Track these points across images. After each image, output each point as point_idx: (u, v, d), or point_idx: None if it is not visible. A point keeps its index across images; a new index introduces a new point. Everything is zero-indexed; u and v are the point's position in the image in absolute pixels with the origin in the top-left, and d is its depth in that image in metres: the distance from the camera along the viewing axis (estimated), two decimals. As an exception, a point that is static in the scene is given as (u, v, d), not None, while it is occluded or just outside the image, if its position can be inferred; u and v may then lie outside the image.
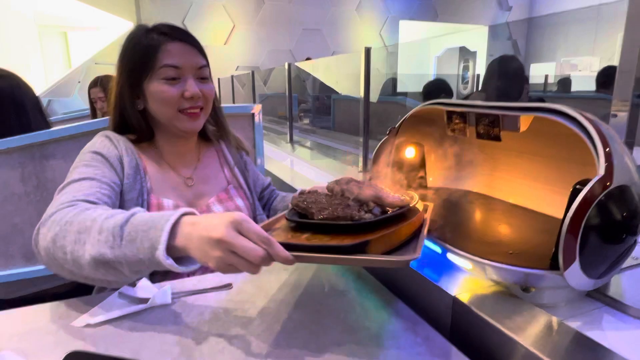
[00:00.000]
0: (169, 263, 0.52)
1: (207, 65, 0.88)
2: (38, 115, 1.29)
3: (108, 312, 0.63)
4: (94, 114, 2.40)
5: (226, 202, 0.94)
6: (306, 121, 3.81)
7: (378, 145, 0.96)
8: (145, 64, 0.82)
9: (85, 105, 4.23)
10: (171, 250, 0.53)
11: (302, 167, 1.95)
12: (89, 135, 1.15)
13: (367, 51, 1.53)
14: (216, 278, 0.75)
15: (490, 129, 0.72)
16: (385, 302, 0.66)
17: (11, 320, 0.63)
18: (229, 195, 0.96)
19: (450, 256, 0.66)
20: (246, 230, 0.50)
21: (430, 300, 0.64)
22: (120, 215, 0.58)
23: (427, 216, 0.68)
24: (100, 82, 2.31)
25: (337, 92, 3.87)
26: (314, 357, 0.52)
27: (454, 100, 0.80)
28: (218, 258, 0.49)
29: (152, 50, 0.82)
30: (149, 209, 0.84)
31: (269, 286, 0.71)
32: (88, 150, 0.83)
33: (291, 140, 2.61)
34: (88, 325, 0.60)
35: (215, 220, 0.51)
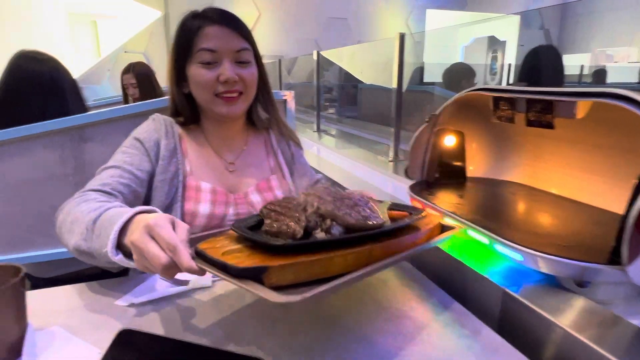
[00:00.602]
0: (117, 258, 0.54)
1: (250, 48, 0.85)
2: (76, 99, 1.31)
3: (151, 292, 0.64)
4: (125, 100, 2.44)
5: (265, 192, 0.91)
6: (331, 110, 3.78)
7: (416, 133, 0.93)
8: (185, 48, 0.83)
9: (115, 92, 4.31)
10: (123, 246, 0.55)
11: (328, 155, 1.93)
12: (124, 119, 1.17)
13: (402, 37, 1.49)
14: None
15: (543, 115, 0.69)
16: (428, 293, 0.64)
17: (56, 298, 0.64)
18: (269, 185, 0.92)
19: (498, 247, 0.63)
20: (156, 235, 0.49)
21: (477, 292, 0.62)
22: (99, 210, 0.61)
23: (439, 235, 0.61)
24: (132, 69, 2.34)
25: (361, 82, 3.82)
26: (358, 345, 0.51)
27: (502, 86, 0.76)
28: (135, 260, 0.51)
29: (191, 34, 0.82)
30: (186, 190, 0.84)
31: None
32: (132, 135, 0.87)
33: (318, 129, 2.59)
34: (132, 305, 0.60)
35: (141, 223, 0.52)
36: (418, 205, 0.87)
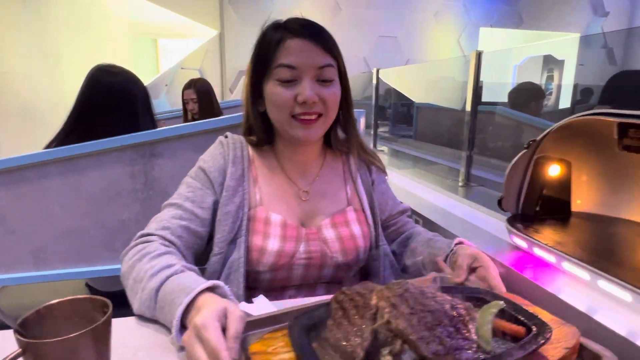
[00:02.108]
0: (179, 344, 0.53)
1: (333, 64, 0.76)
2: (146, 113, 1.32)
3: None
4: (185, 114, 2.49)
5: (341, 227, 0.81)
6: (384, 129, 3.70)
7: (513, 161, 0.84)
8: (264, 63, 0.76)
9: (170, 106, 4.47)
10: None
11: (392, 177, 1.85)
12: (195, 135, 1.15)
13: (479, 55, 1.39)
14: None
15: (694, 147, 0.58)
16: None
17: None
18: (346, 219, 0.82)
19: (601, 284, 0.52)
20: (203, 339, 0.46)
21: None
22: (160, 276, 0.61)
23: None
24: (194, 85, 2.40)
25: (412, 101, 3.73)
26: None
27: (630, 111, 0.66)
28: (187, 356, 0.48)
29: (271, 47, 0.75)
30: (253, 222, 0.77)
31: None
32: (198, 162, 0.83)
33: (375, 148, 2.52)
34: None
35: (197, 315, 0.49)
36: (522, 244, 0.77)
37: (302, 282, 0.80)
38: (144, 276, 0.61)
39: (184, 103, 2.46)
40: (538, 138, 0.81)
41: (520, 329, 0.44)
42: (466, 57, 1.50)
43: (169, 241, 0.71)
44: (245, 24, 5.44)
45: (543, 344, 0.41)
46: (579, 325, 0.58)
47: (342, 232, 0.80)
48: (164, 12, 5.57)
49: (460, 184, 1.49)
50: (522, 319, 0.45)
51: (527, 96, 2.40)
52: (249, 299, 0.67)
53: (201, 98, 2.38)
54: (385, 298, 0.44)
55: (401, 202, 0.94)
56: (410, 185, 1.57)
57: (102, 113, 1.25)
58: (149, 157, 1.14)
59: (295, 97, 0.73)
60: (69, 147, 1.10)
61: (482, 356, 0.40)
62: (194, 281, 0.58)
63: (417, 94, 3.77)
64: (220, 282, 0.58)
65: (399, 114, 3.96)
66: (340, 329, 0.44)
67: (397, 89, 4.11)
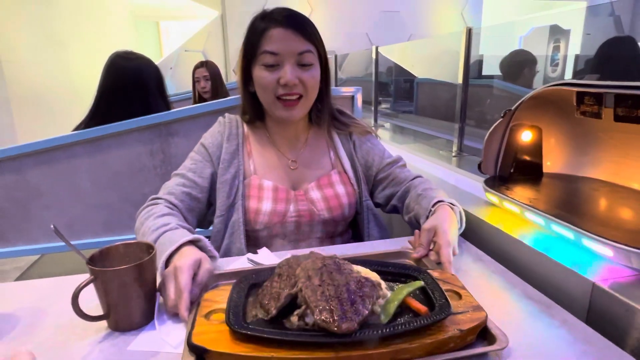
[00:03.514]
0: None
1: (313, 50, 0.85)
2: (159, 96, 1.42)
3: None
4: (194, 93, 2.61)
5: (325, 188, 0.93)
6: (385, 105, 3.77)
7: (491, 129, 0.94)
8: (251, 49, 0.86)
9: (176, 89, 4.55)
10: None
11: (389, 149, 1.95)
12: (205, 115, 1.26)
13: (469, 31, 1.47)
14: (334, 250, 0.79)
15: (634, 110, 0.68)
16: (511, 284, 0.66)
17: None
18: (330, 181, 0.94)
19: (586, 242, 0.63)
20: (176, 278, 0.58)
21: (564, 286, 0.63)
22: (159, 232, 0.73)
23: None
24: (205, 64, 2.52)
25: (415, 77, 3.77)
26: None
27: (587, 81, 0.75)
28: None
29: (256, 35, 0.85)
30: (249, 188, 0.90)
31: (388, 261, 0.74)
32: (201, 140, 0.96)
33: (375, 124, 2.61)
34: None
35: (178, 260, 0.62)
36: (494, 200, 0.88)
37: (297, 238, 0.92)
38: (147, 231, 0.74)
39: (195, 82, 2.56)
40: (513, 107, 0.91)
41: (423, 309, 0.50)
42: (469, 29, 1.56)
43: (173, 204, 0.85)
44: (246, 4, 5.43)
45: (424, 324, 0.47)
46: (533, 261, 0.70)
47: (326, 192, 0.92)
48: (165, -6, 5.59)
49: (453, 154, 1.59)
50: (434, 299, 0.52)
51: (518, 65, 2.45)
52: (253, 252, 0.80)
53: (213, 78, 2.50)
54: (305, 270, 0.52)
55: (390, 155, 1.02)
56: (408, 158, 1.68)
57: (119, 96, 1.36)
58: (165, 136, 1.26)
59: (278, 80, 0.83)
60: (94, 129, 1.22)
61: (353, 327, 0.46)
62: (181, 235, 0.70)
63: (420, 70, 3.80)
64: (201, 237, 0.71)
65: (401, 89, 4.00)
66: (269, 290, 0.53)
67: (400, 65, 4.15)
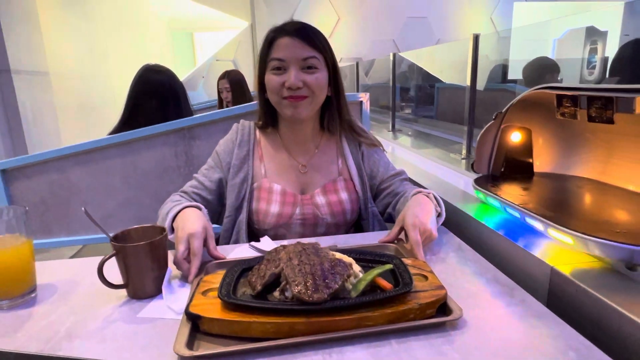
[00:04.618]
0: (171, 237, 0.78)
1: (317, 56, 0.91)
2: (186, 103, 1.57)
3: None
4: (220, 103, 2.75)
5: (330, 194, 0.99)
6: (408, 110, 3.81)
7: (483, 130, 1.00)
8: (263, 58, 0.95)
9: (208, 97, 4.75)
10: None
11: (403, 154, 2.01)
12: (224, 120, 1.38)
13: (476, 38, 1.52)
14: (330, 241, 0.88)
15: (603, 111, 0.73)
16: (484, 269, 0.72)
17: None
18: (335, 187, 1.00)
19: (551, 232, 0.69)
20: (191, 243, 0.72)
21: (528, 270, 0.69)
22: (167, 215, 0.84)
23: None
24: (227, 75, 2.65)
25: (440, 81, 3.78)
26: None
27: (564, 84, 0.81)
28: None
29: (267, 45, 0.94)
30: (259, 191, 0.98)
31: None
32: (216, 147, 1.07)
33: (393, 129, 2.67)
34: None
35: (187, 223, 0.76)
36: (481, 196, 0.94)
37: (300, 238, 1.00)
38: (163, 212, 0.89)
39: (219, 92, 2.72)
40: (503, 110, 0.97)
41: (388, 286, 0.58)
42: (499, 33, 1.61)
43: (186, 199, 0.96)
44: (274, 15, 5.63)
45: (385, 297, 0.55)
46: (505, 249, 0.76)
47: (331, 198, 0.99)
48: (199, 7, 5.87)
49: (462, 157, 1.63)
50: (400, 279, 0.59)
51: (540, 72, 2.45)
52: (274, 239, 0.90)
53: (234, 87, 2.63)
54: (287, 252, 0.60)
55: (394, 168, 1.08)
56: (419, 162, 1.74)
57: (153, 105, 1.51)
58: (188, 140, 1.39)
59: (284, 82, 0.91)
60: (126, 134, 1.36)
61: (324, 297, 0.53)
62: (184, 203, 0.86)
63: (447, 75, 3.82)
64: (201, 205, 0.86)
65: (424, 95, 4.02)
66: (257, 271, 0.61)
67: (425, 70, 4.17)
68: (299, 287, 0.54)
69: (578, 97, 0.78)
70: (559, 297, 0.62)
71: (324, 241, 0.88)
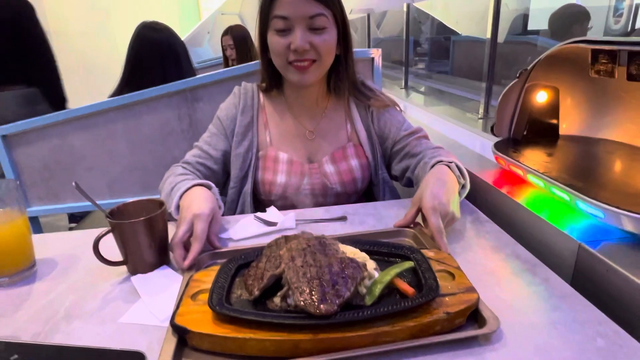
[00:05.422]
0: (176, 215, 0.74)
1: (325, 13, 0.81)
2: (187, 62, 1.50)
3: (247, 230, 0.76)
4: (225, 61, 2.65)
5: (339, 161, 0.93)
6: (421, 65, 3.64)
7: (505, 90, 0.92)
8: (264, 15, 0.85)
9: (214, 53, 4.61)
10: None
11: (416, 114, 1.92)
12: (227, 80, 1.31)
13: (499, -15, 1.39)
14: (338, 211, 0.84)
15: (646, 69, 0.64)
16: (503, 243, 0.68)
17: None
18: (345, 154, 0.94)
19: (581, 204, 0.63)
20: (194, 225, 0.65)
21: (552, 246, 0.64)
22: (177, 179, 0.82)
23: None
24: (230, 31, 2.52)
25: (456, 34, 3.58)
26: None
27: (601, 37, 0.72)
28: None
29: (268, 1, 0.83)
30: (264, 160, 0.93)
31: (388, 220, 0.78)
32: (217, 112, 0.99)
33: (406, 86, 2.56)
34: (231, 239, 0.74)
35: (194, 203, 0.69)
36: (502, 163, 0.88)
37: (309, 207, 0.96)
38: (167, 187, 0.83)
39: (223, 50, 2.61)
40: (528, 67, 0.89)
41: (410, 290, 0.48)
42: None
43: (190, 172, 0.91)
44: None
45: (407, 307, 0.45)
46: (528, 222, 0.71)
47: (340, 166, 0.93)
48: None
49: (479, 116, 1.55)
50: (423, 280, 0.50)
51: (568, 21, 2.28)
52: (280, 210, 0.85)
53: (238, 44, 2.51)
54: (289, 250, 0.51)
55: (410, 126, 0.98)
56: (434, 123, 1.65)
57: (152, 65, 1.44)
58: (191, 102, 1.33)
59: (289, 45, 0.82)
60: (127, 96, 1.31)
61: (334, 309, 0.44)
62: (192, 180, 0.79)
63: (464, 27, 3.60)
64: (212, 184, 0.79)
65: (440, 48, 3.82)
66: (254, 271, 0.52)
67: (441, 22, 3.95)
68: (304, 296, 0.45)
69: (617, 53, 0.69)
70: (586, 276, 0.58)
71: (333, 211, 0.84)
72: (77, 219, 2.02)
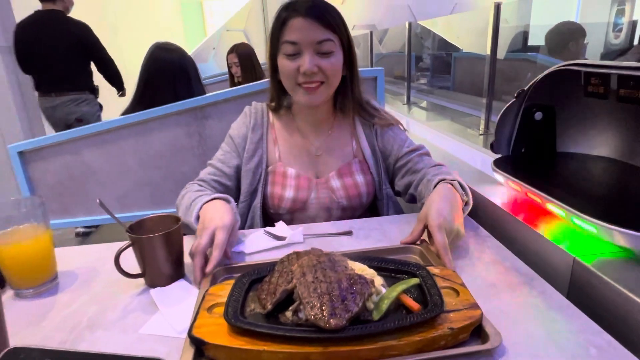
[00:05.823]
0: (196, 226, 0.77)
1: (333, 39, 0.86)
2: (198, 82, 1.55)
3: (257, 244, 0.80)
4: (231, 78, 2.72)
5: (345, 177, 0.97)
6: (423, 81, 3.70)
7: (504, 109, 0.96)
8: (274, 39, 0.90)
9: (219, 69, 4.69)
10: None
11: (418, 129, 1.97)
12: (236, 99, 1.36)
13: (497, 7, 1.44)
14: (344, 226, 0.87)
15: (635, 92, 0.68)
16: (503, 257, 0.71)
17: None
18: (350, 170, 0.98)
19: (576, 220, 0.67)
20: (215, 236, 0.68)
21: (549, 260, 0.67)
22: (196, 194, 0.86)
23: None
24: (235, 49, 2.59)
25: (458, 50, 3.64)
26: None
27: (593, 61, 0.76)
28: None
29: (278, 26, 0.89)
30: (273, 175, 0.98)
31: (391, 234, 0.81)
32: (229, 131, 1.04)
33: (408, 102, 2.61)
34: (243, 253, 0.77)
35: (216, 215, 0.73)
36: (501, 179, 0.91)
37: (316, 221, 1.00)
38: (186, 202, 0.86)
39: (229, 67, 2.67)
40: (526, 88, 0.93)
41: (416, 306, 0.51)
42: (498, 5, 1.53)
43: (206, 188, 0.95)
44: (285, -19, 5.44)
45: (412, 322, 0.48)
46: (525, 236, 0.74)
47: (346, 181, 0.97)
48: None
49: (480, 132, 1.59)
50: (429, 297, 0.52)
51: (564, 38, 2.33)
52: (289, 224, 0.89)
53: (243, 62, 2.58)
54: (301, 266, 0.54)
55: (412, 143, 1.02)
56: (435, 138, 1.69)
57: (164, 84, 1.49)
58: (200, 119, 1.38)
59: (298, 68, 0.87)
60: (138, 114, 1.35)
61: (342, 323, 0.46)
62: (212, 194, 0.83)
63: (465, 43, 3.67)
64: (230, 199, 0.83)
65: (441, 64, 3.89)
66: (267, 285, 0.55)
67: (443, 38, 4.02)
68: (315, 311, 0.47)
69: (609, 75, 0.73)
70: (581, 289, 0.61)
71: (339, 226, 0.87)
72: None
